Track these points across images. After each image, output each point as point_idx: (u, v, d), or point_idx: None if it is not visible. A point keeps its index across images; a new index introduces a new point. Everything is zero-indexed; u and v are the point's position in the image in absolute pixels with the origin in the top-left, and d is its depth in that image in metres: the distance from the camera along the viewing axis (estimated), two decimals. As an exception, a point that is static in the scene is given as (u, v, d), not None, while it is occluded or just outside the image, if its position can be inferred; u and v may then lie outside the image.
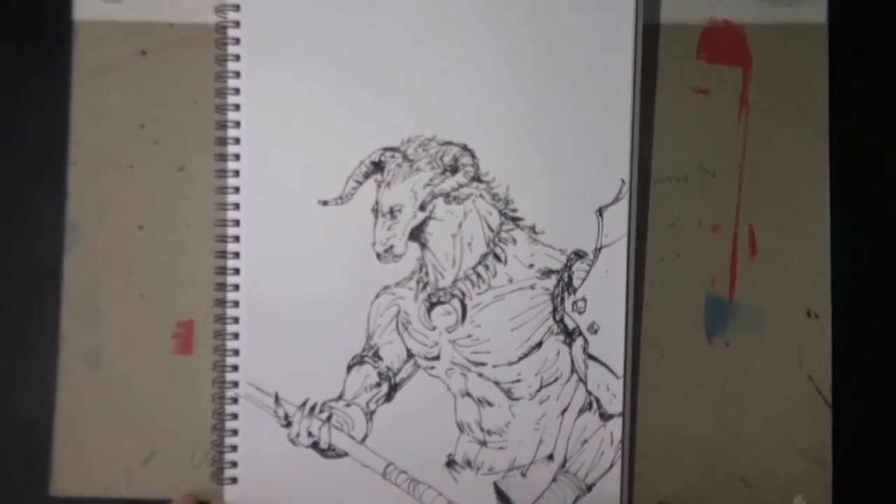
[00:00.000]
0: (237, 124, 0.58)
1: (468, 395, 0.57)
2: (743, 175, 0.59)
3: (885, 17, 0.61)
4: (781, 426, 0.59)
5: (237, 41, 0.58)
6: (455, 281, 0.57)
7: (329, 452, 0.58)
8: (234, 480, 0.58)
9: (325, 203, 0.58)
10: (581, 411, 0.58)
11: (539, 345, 0.57)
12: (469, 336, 0.57)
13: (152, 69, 0.60)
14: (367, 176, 0.57)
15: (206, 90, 0.59)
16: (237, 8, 0.58)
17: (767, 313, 0.59)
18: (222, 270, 0.58)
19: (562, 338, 0.57)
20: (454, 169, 0.57)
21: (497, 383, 0.57)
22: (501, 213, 0.57)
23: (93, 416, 0.59)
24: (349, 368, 0.58)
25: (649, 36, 0.59)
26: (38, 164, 0.60)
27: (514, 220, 0.57)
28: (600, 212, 0.57)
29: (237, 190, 0.58)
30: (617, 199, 0.57)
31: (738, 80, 0.60)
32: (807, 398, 0.59)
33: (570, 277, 0.58)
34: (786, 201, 0.59)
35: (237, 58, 0.58)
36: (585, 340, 0.58)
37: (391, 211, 0.57)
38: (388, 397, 0.58)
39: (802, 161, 0.59)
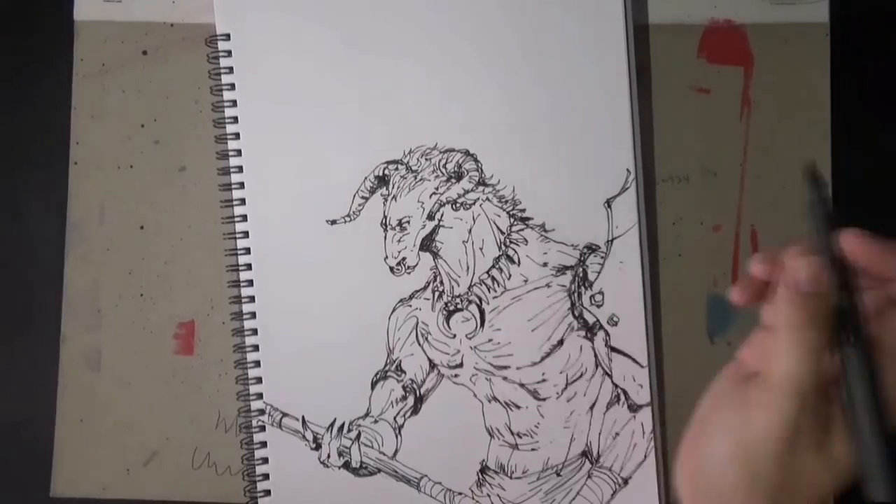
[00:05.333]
0: (238, 152, 0.58)
1: (495, 399, 0.57)
2: (744, 175, 0.59)
3: (885, 17, 0.61)
4: (782, 425, 0.58)
5: (230, 70, 0.58)
6: (470, 287, 0.57)
7: (361, 471, 0.58)
8: (269, 509, 0.58)
9: (333, 222, 0.58)
10: (609, 405, 0.58)
11: (561, 342, 0.57)
12: (489, 340, 0.57)
13: (152, 69, 0.60)
14: (372, 191, 0.58)
15: (207, 90, 0.59)
16: (227, 37, 0.58)
17: (769, 313, 0.59)
18: (237, 299, 0.58)
19: (583, 333, 0.58)
20: (458, 175, 0.57)
21: (522, 385, 0.57)
22: (510, 215, 0.57)
23: (93, 416, 0.59)
24: (373, 385, 0.58)
25: (650, 36, 0.59)
26: (38, 164, 0.60)
27: (524, 220, 0.57)
28: (608, 203, 0.57)
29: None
30: (624, 189, 0.57)
31: (739, 79, 0.60)
32: (808, 397, 0.59)
33: (584, 272, 0.58)
34: (787, 201, 0.59)
35: (232, 86, 0.58)
36: (606, 333, 0.58)
37: (400, 223, 0.57)
38: (416, 409, 0.58)
39: (803, 161, 0.59)
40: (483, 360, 0.57)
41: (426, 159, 0.58)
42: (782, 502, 0.39)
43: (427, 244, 0.57)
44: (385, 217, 0.58)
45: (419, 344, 0.58)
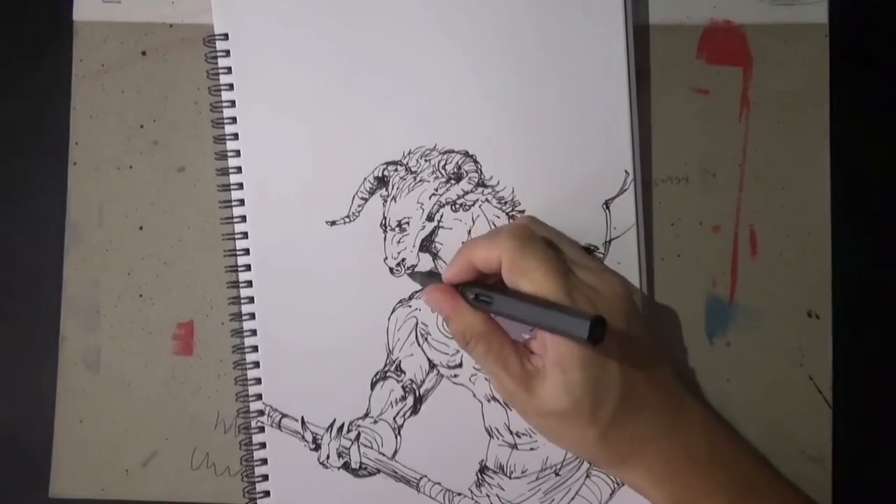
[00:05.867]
0: (237, 153, 0.58)
1: (494, 399, 0.57)
2: (744, 175, 0.59)
3: (885, 17, 0.61)
4: (781, 426, 0.59)
5: (229, 70, 0.58)
6: (470, 287, 0.57)
7: (361, 472, 0.58)
8: (267, 510, 0.58)
9: (332, 223, 0.58)
10: (608, 404, 0.58)
11: (559, 342, 0.57)
12: (489, 340, 0.57)
13: (152, 69, 0.60)
14: (371, 192, 0.58)
15: (206, 90, 0.59)
16: (225, 37, 0.58)
17: (768, 314, 0.59)
18: (237, 300, 0.58)
19: (582, 333, 0.58)
20: (458, 177, 0.57)
21: (522, 383, 0.57)
22: (509, 216, 0.57)
23: (93, 417, 0.59)
24: (373, 385, 0.58)
25: (650, 36, 0.59)
26: (38, 164, 0.60)
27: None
28: (607, 205, 0.57)
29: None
30: (622, 191, 0.57)
31: (738, 80, 0.60)
32: (807, 398, 0.59)
33: (583, 273, 0.57)
34: (786, 201, 0.59)
35: (231, 86, 0.58)
36: (606, 333, 0.58)
37: (399, 224, 0.57)
38: (415, 410, 0.58)
39: (803, 161, 0.59)
40: (482, 360, 0.57)
41: (425, 160, 0.58)
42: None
43: (427, 245, 0.57)
44: (384, 218, 0.58)
45: (419, 344, 0.58)
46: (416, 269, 0.57)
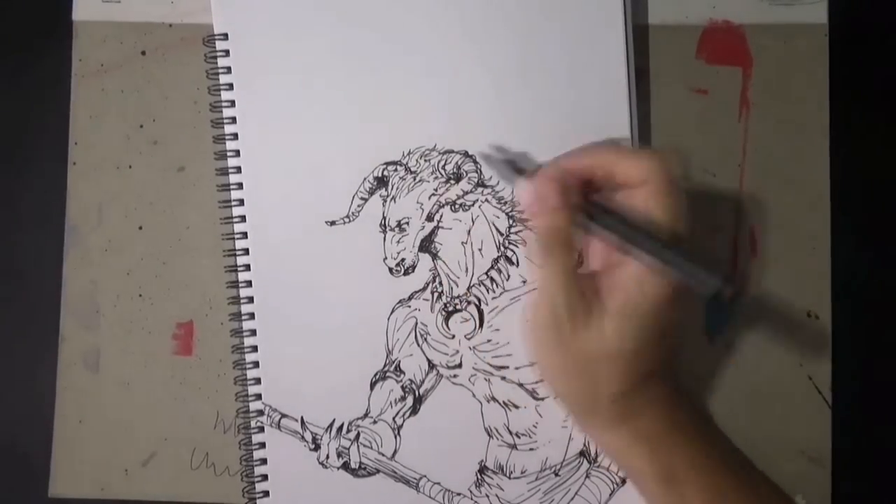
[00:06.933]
0: (237, 153, 0.58)
1: (493, 399, 0.57)
2: (743, 175, 0.59)
3: (885, 17, 0.61)
4: (781, 426, 0.59)
5: (228, 70, 0.58)
6: (469, 287, 0.57)
7: (360, 472, 0.58)
8: (266, 510, 0.58)
9: (332, 223, 0.58)
10: (608, 404, 0.58)
11: (560, 342, 0.57)
12: (488, 341, 0.57)
13: (152, 69, 0.60)
14: (371, 192, 0.58)
15: (206, 91, 0.59)
16: (225, 37, 0.58)
17: (768, 314, 0.59)
18: (236, 300, 0.58)
19: (582, 332, 0.58)
20: (458, 177, 0.57)
21: (521, 385, 0.57)
22: (509, 216, 0.57)
23: (92, 417, 0.59)
24: (372, 385, 0.58)
25: (650, 36, 0.59)
26: (37, 164, 0.60)
27: (523, 221, 0.57)
28: None
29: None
30: None
31: (738, 80, 0.60)
32: (807, 398, 0.59)
33: (582, 272, 0.57)
34: (786, 202, 0.59)
35: (230, 86, 0.58)
36: (605, 333, 0.58)
37: (399, 224, 0.57)
38: (415, 410, 0.58)
39: (803, 161, 0.59)
40: (482, 361, 0.57)
41: (425, 160, 0.58)
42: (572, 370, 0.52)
43: (426, 245, 0.57)
44: (384, 218, 0.58)
45: (418, 344, 0.58)
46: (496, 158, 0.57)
